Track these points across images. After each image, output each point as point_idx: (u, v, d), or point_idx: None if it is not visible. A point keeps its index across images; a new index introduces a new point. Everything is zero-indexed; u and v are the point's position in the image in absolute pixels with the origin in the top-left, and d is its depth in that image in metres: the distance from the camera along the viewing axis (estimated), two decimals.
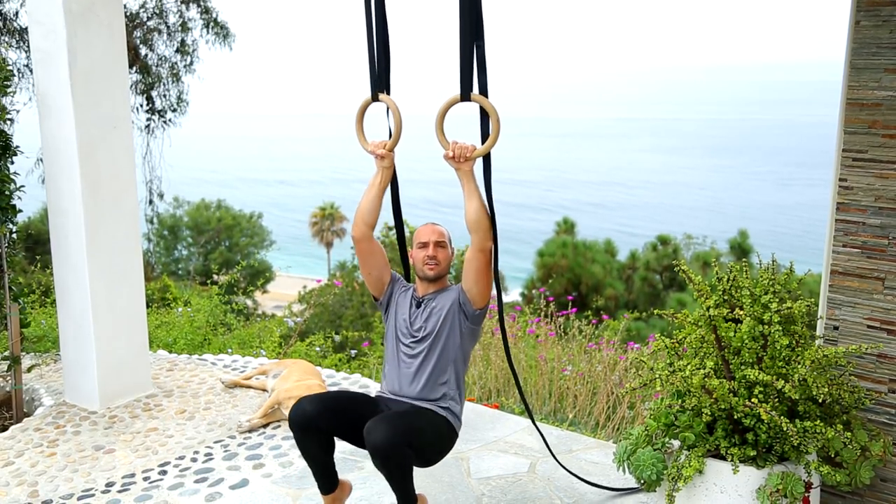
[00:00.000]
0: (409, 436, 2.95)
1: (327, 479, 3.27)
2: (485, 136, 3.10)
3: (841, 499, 3.25)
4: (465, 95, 3.07)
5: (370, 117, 3.36)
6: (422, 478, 3.93)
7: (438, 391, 3.25)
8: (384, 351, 3.45)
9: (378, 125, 3.32)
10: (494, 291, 3.37)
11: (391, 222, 3.73)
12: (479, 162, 3.13)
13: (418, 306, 3.34)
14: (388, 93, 3.30)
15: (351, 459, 4.14)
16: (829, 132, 3.54)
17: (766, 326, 2.90)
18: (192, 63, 13.06)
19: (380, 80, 3.29)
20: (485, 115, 3.09)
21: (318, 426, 3.07)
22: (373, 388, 5.14)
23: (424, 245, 3.32)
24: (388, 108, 3.29)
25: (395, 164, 3.36)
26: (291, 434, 4.45)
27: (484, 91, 3.09)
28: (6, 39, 11.25)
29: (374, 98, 3.31)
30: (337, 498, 3.35)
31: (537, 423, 3.80)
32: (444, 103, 3.11)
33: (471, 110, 3.16)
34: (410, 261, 3.44)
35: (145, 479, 4.01)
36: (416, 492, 3.35)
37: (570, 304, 6.92)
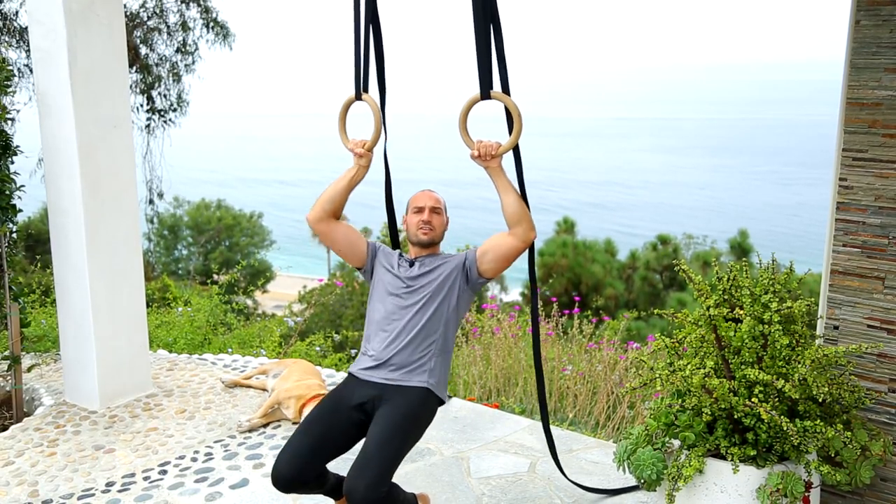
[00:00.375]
0: (391, 469, 2.84)
1: (334, 493, 3.24)
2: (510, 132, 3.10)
3: (841, 498, 3.25)
4: (486, 94, 3.05)
5: (355, 116, 3.36)
6: (422, 477, 3.93)
7: (425, 351, 3.11)
8: (367, 317, 3.29)
9: (365, 124, 3.31)
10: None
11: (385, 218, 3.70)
12: (511, 159, 3.13)
13: (411, 265, 3.24)
14: (368, 92, 3.30)
15: (351, 459, 4.13)
16: (829, 132, 3.54)
17: (767, 326, 2.90)
18: (193, 63, 13.06)
19: (365, 80, 3.27)
20: (509, 112, 3.10)
21: (303, 481, 2.95)
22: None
23: (420, 210, 3.25)
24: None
25: (391, 163, 3.38)
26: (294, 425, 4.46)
27: (505, 88, 3.08)
28: (6, 39, 11.24)
29: (358, 97, 3.31)
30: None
31: (551, 433, 3.68)
32: (466, 103, 3.10)
33: (490, 110, 3.15)
34: (404, 226, 3.35)
35: (145, 478, 4.01)
36: (418, 492, 3.35)
37: (574, 303, 6.91)
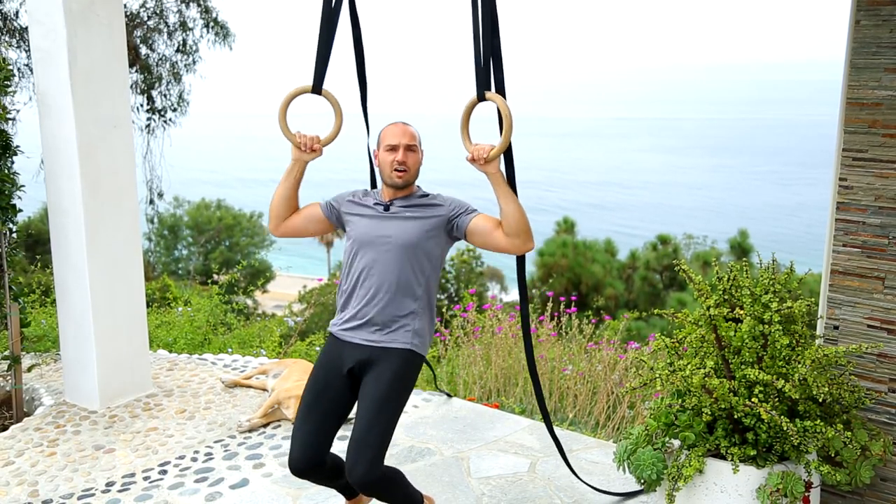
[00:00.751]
0: (386, 442, 2.89)
1: (346, 490, 3.28)
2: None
3: (841, 498, 3.25)
4: (481, 95, 3.01)
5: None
6: (422, 477, 3.93)
7: (407, 309, 3.01)
8: (342, 272, 3.14)
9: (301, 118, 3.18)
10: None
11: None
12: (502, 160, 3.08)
13: (386, 209, 3.06)
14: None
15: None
16: (829, 132, 3.54)
17: (767, 326, 2.90)
18: (193, 63, 13.06)
19: (323, 75, 3.15)
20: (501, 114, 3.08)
21: (318, 463, 3.01)
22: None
23: (393, 148, 3.02)
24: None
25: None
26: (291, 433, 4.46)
27: (501, 88, 3.04)
28: (6, 39, 11.25)
29: (317, 91, 3.15)
30: (360, 500, 3.38)
31: (554, 430, 3.68)
32: (466, 106, 3.06)
33: (492, 111, 3.11)
34: (375, 162, 3.13)
35: (145, 478, 4.01)
36: (424, 493, 3.34)
37: (571, 303, 6.91)
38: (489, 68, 3.03)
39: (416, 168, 3.07)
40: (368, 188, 3.32)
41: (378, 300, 3.00)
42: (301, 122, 3.15)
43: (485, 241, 3.02)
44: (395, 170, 3.01)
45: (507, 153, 3.10)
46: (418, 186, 3.14)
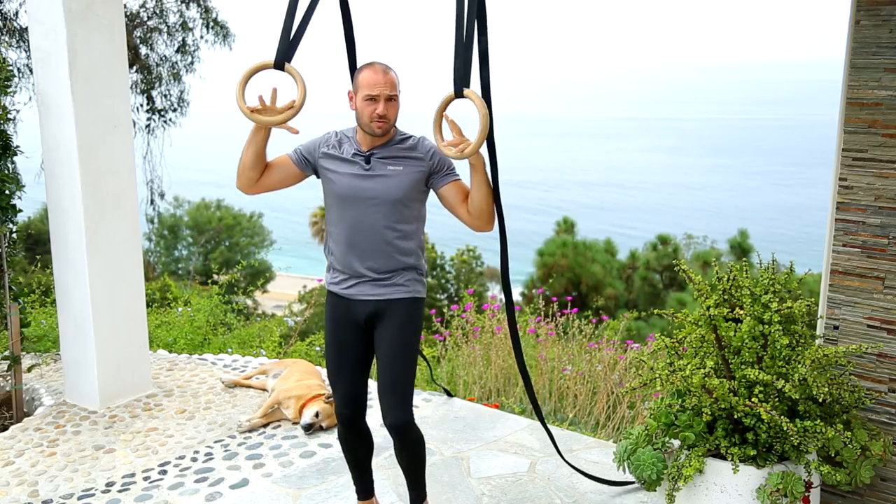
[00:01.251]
0: (411, 386, 3.10)
1: (366, 484, 3.43)
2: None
3: (841, 498, 3.25)
4: (459, 92, 2.93)
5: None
6: None
7: (402, 255, 3.06)
8: (327, 223, 3.15)
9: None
10: (499, 289, 3.35)
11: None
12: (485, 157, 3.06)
13: (367, 162, 3.01)
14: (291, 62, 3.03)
15: None
16: (829, 132, 3.54)
17: (767, 326, 2.90)
18: (192, 63, 13.06)
19: (290, 50, 3.04)
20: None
21: (360, 409, 3.22)
22: (371, 387, 5.14)
23: (373, 99, 2.92)
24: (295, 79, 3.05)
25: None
26: (294, 433, 4.46)
27: (486, 87, 2.99)
28: (6, 39, 11.24)
29: (279, 66, 3.04)
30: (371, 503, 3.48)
31: (545, 421, 3.72)
32: (441, 101, 2.98)
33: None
34: (350, 104, 3.02)
35: (145, 478, 4.01)
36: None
37: (569, 304, 6.91)
38: (469, 65, 2.95)
39: (395, 116, 3.00)
40: (337, 130, 3.16)
41: (371, 255, 3.05)
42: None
43: (450, 209, 3.11)
44: (374, 121, 2.94)
45: (491, 149, 3.03)
46: (396, 128, 3.07)
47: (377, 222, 3.01)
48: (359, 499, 3.46)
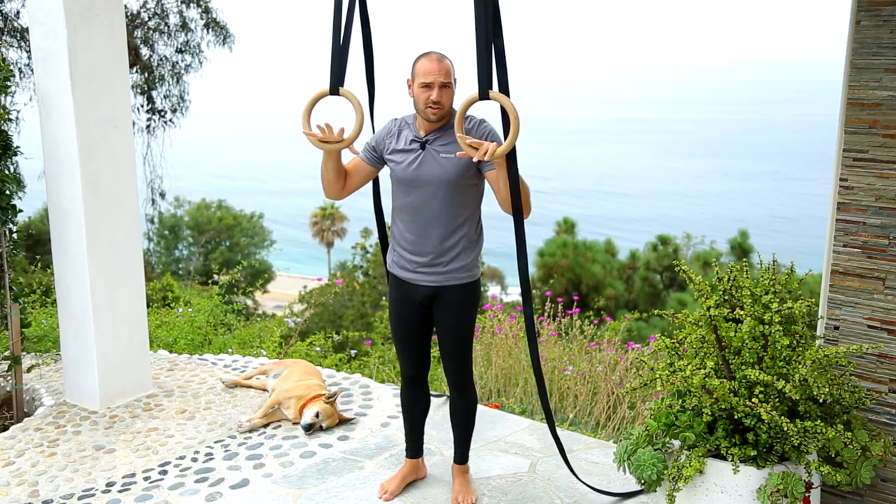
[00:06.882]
0: (470, 359, 3.43)
1: (417, 443, 3.74)
2: (507, 133, 3.08)
3: (841, 499, 3.25)
4: (484, 94, 3.04)
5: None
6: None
7: (458, 239, 3.23)
8: (392, 209, 3.35)
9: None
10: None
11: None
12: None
13: (422, 147, 3.19)
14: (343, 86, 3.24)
15: (351, 459, 4.14)
16: (830, 132, 3.54)
17: (767, 326, 2.90)
18: (191, 63, 13.06)
19: (341, 75, 3.23)
20: (506, 113, 3.08)
21: (424, 369, 3.54)
22: (372, 387, 5.14)
23: (428, 86, 3.09)
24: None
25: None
26: (294, 434, 4.46)
27: (504, 89, 3.06)
28: (7, 39, 11.25)
29: (334, 91, 3.21)
30: (417, 466, 3.78)
31: (556, 430, 3.68)
32: (464, 102, 3.06)
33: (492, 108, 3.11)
34: (409, 91, 3.18)
35: (146, 478, 4.01)
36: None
37: (573, 303, 6.91)
38: (490, 67, 3.04)
39: (450, 103, 3.16)
40: (397, 118, 3.34)
41: (429, 239, 3.23)
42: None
43: (496, 193, 3.17)
44: (429, 107, 3.10)
45: (511, 153, 3.11)
46: (454, 110, 3.20)
47: (433, 208, 3.20)
48: (407, 456, 3.74)
